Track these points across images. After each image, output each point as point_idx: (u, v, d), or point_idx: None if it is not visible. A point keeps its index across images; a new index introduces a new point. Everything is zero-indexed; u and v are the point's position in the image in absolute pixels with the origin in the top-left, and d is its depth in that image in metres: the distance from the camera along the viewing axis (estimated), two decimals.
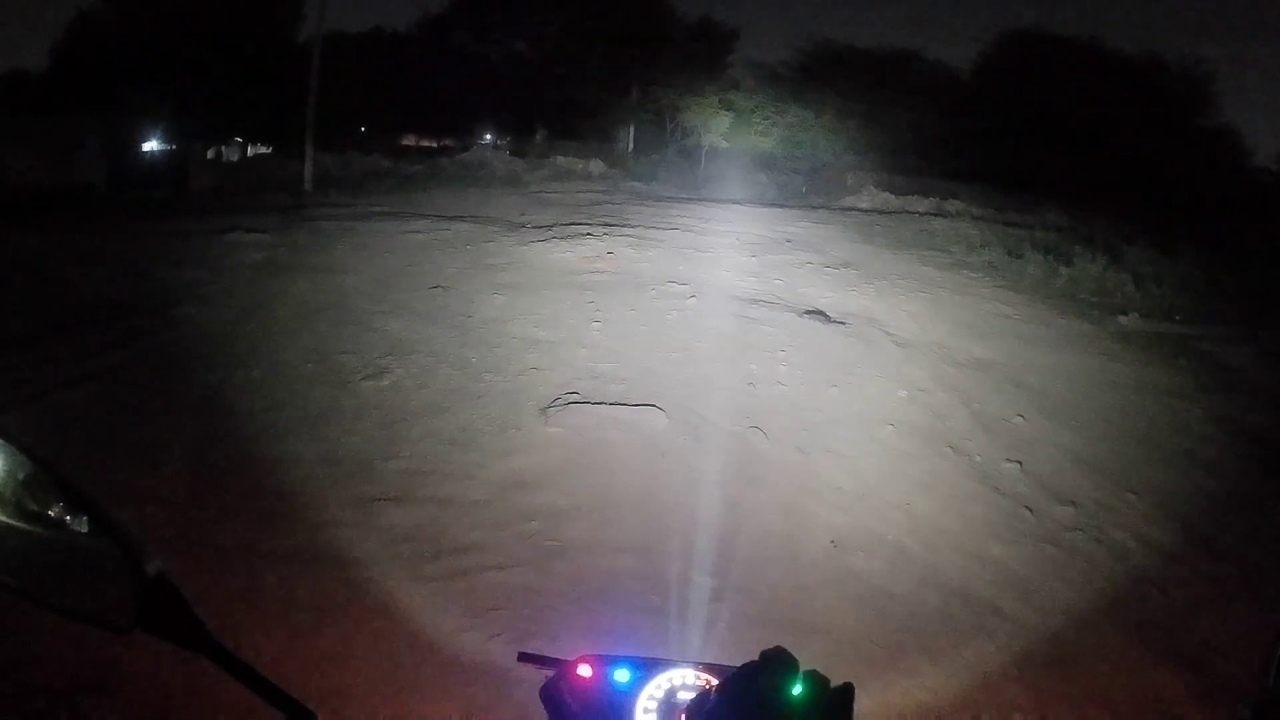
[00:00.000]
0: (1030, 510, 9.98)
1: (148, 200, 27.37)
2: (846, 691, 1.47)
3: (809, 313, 16.04)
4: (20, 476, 1.54)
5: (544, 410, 10.90)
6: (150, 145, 42.04)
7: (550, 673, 2.02)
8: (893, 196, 39.89)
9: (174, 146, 41.47)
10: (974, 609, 7.88)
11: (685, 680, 1.94)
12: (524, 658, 2.11)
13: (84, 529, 1.52)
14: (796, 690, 1.42)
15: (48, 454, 1.51)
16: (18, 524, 1.54)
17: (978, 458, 11.23)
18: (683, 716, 1.64)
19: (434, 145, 43.26)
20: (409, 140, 53.63)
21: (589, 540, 8.13)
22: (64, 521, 1.54)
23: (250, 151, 49.87)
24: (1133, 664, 7.32)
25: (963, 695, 6.52)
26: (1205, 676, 7.23)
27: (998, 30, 57.21)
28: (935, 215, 35.14)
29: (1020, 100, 49.24)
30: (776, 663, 1.45)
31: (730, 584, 7.51)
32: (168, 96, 39.69)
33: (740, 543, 8.32)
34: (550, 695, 1.94)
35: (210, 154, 44.52)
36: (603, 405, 11.15)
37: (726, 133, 49.75)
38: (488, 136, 55.95)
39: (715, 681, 1.81)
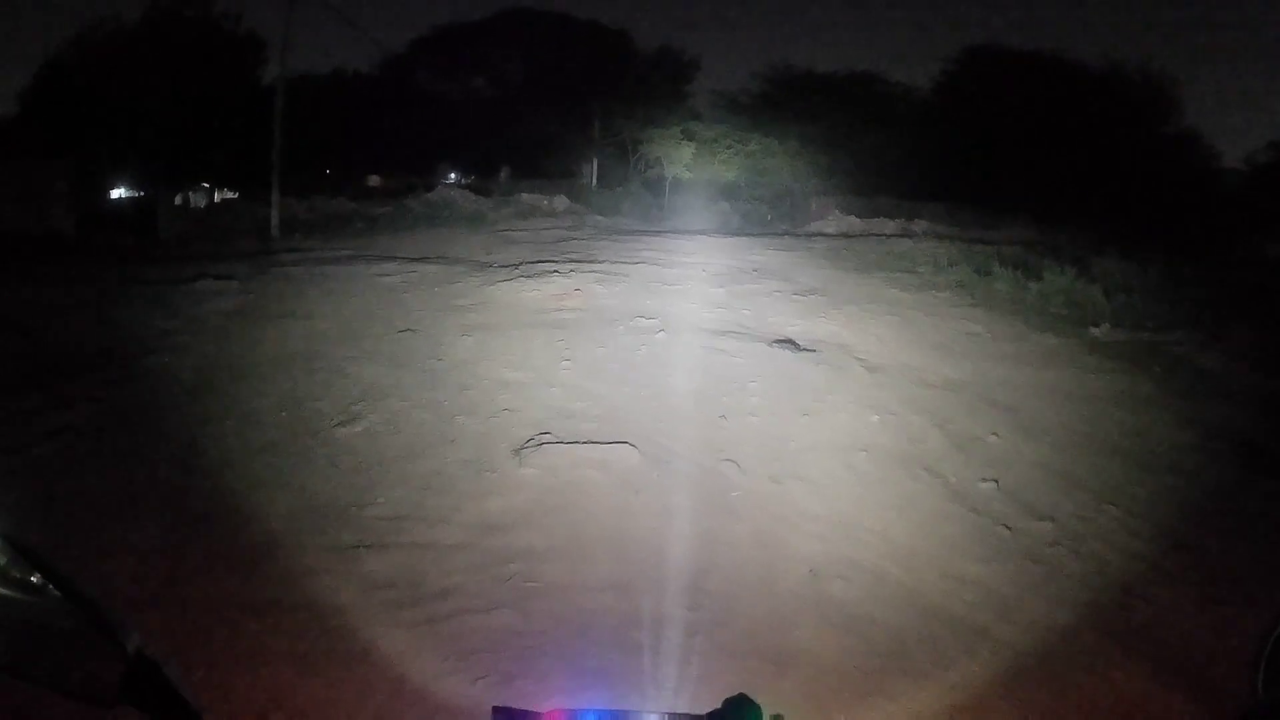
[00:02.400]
0: (1008, 528, 10.00)
1: (117, 247, 27.31)
2: None
3: (778, 342, 16.09)
4: None
5: (517, 451, 10.90)
6: (119, 192, 41.98)
7: None
8: (858, 220, 40.18)
9: (142, 193, 41.43)
10: (956, 630, 7.89)
11: None
12: (498, 712, 2.12)
13: (61, 602, 1.51)
14: None
15: (15, 525, 1.51)
16: None
17: (953, 478, 11.25)
18: None
19: (398, 186, 43.17)
20: (374, 181, 53.67)
21: (567, 580, 8.13)
22: (42, 593, 1.52)
23: (217, 197, 49.80)
24: (1121, 675, 7.34)
25: (949, 717, 6.53)
26: (1195, 682, 7.25)
27: (958, 47, 57.56)
28: (902, 236, 35.42)
29: (983, 116, 49.57)
30: (740, 709, 1.48)
31: (710, 617, 7.52)
32: (135, 143, 39.71)
33: (718, 575, 8.34)
34: None
35: (178, 200, 44.44)
36: (576, 444, 11.14)
37: (689, 163, 49.89)
38: (452, 176, 56.05)
39: None
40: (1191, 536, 10.23)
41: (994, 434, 12.73)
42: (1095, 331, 20.34)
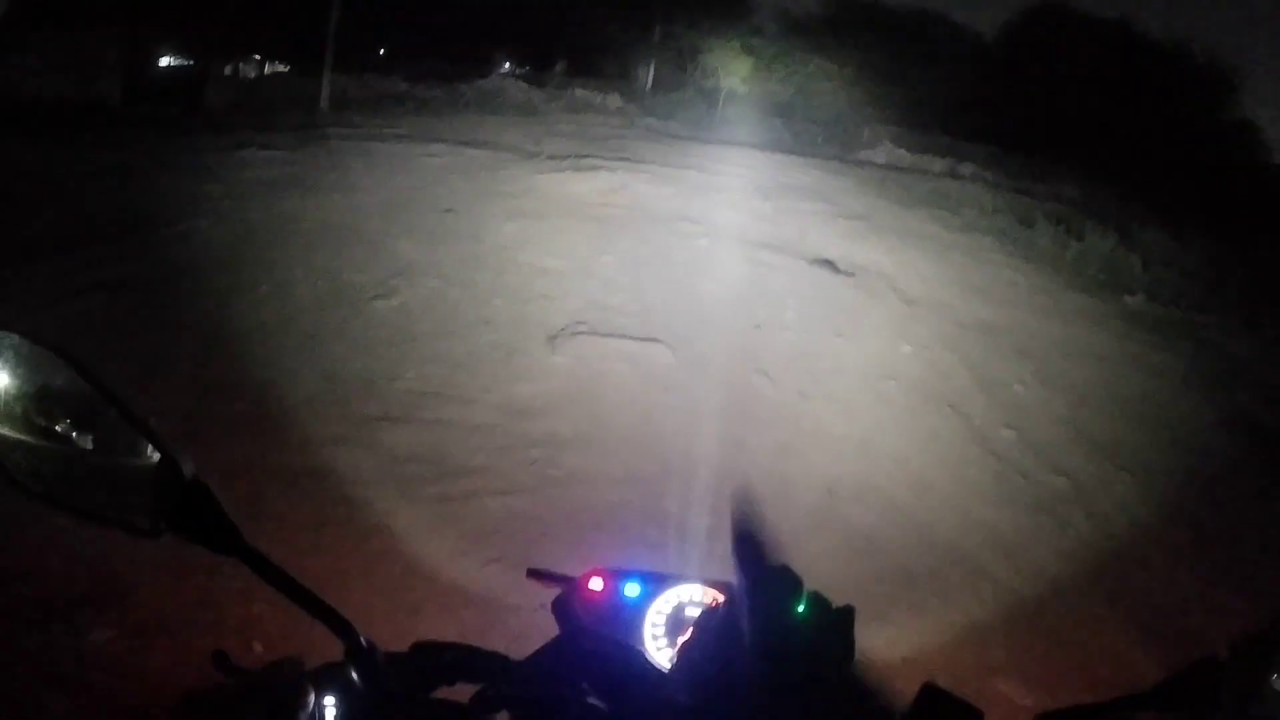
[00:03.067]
0: (1024, 478, 10.04)
1: (163, 115, 27.19)
2: (847, 613, 1.53)
3: (818, 262, 16.03)
4: (50, 380, 1.55)
5: (551, 339, 10.97)
6: (167, 60, 41.70)
7: (558, 588, 2.11)
8: (908, 154, 39.64)
9: (191, 62, 41.14)
10: (964, 569, 7.96)
11: (693, 596, 2.07)
12: (532, 574, 2.17)
13: (115, 426, 1.52)
14: (800, 608, 1.52)
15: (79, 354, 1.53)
16: (40, 422, 1.55)
17: (977, 420, 11.27)
18: (691, 629, 1.68)
19: (454, 70, 42.80)
20: (424, 63, 53.39)
21: (589, 470, 8.22)
22: (93, 418, 1.55)
23: (267, 69, 49.43)
24: (1112, 636, 7.40)
25: (947, 652, 6.60)
26: (1179, 653, 7.30)
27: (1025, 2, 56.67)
28: (949, 176, 34.90)
29: (1043, 71, 48.93)
30: (782, 579, 1.51)
31: (725, 522, 7.63)
32: (186, 10, 39.38)
33: (737, 483, 8.43)
34: (563, 608, 2.03)
35: (227, 70, 44.11)
36: (610, 338, 11.22)
37: (746, 77, 49.36)
38: (506, 65, 55.59)
39: (722, 598, 1.88)
40: (1198, 514, 10.24)
41: (1020, 383, 12.71)
42: (1129, 300, 20.18)
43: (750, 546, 7.24)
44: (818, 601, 1.53)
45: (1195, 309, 20.81)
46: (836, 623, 1.51)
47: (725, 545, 7.22)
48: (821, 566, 7.35)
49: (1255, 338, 19.05)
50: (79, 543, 5.33)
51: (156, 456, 1.50)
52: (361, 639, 1.55)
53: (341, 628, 1.57)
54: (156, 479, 1.50)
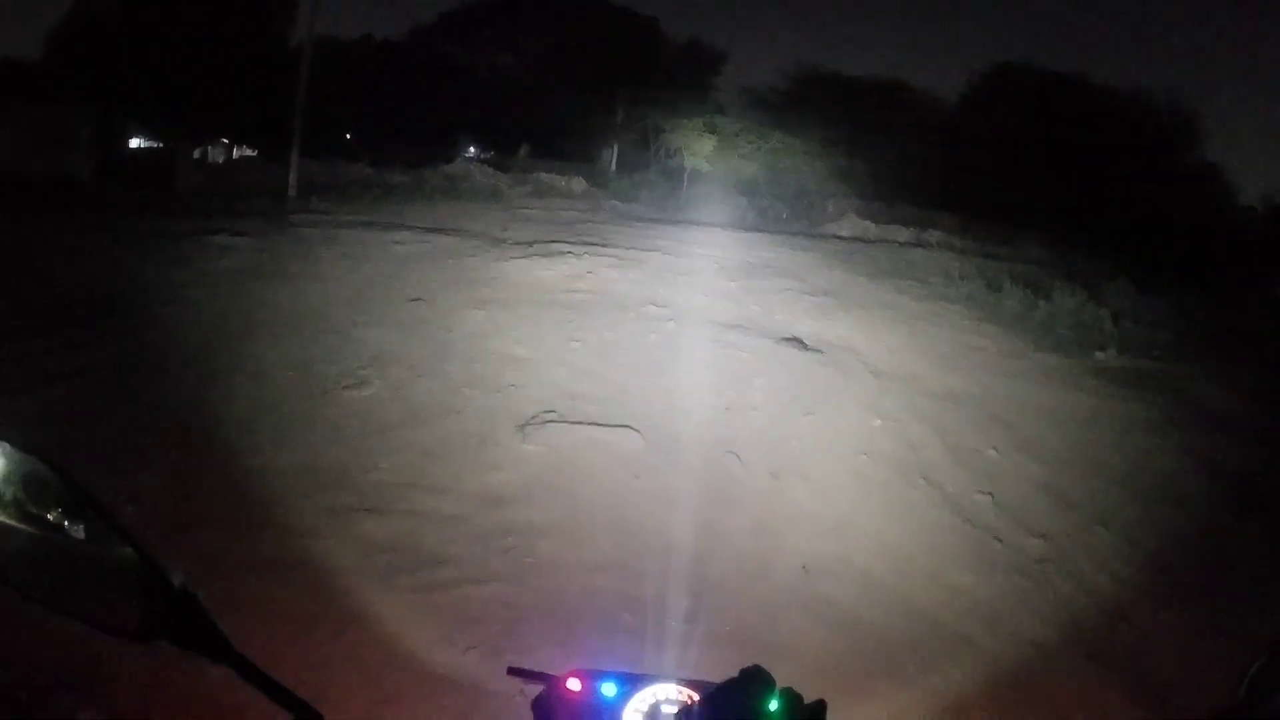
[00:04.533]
0: (1000, 541, 10.08)
1: (133, 197, 27.27)
2: (819, 708, 1.57)
3: (786, 340, 16.07)
4: (40, 485, 1.58)
5: (521, 427, 10.96)
6: (138, 142, 41.92)
7: (537, 686, 2.11)
8: (873, 225, 39.93)
9: (162, 145, 41.37)
10: (942, 637, 7.99)
11: (669, 695, 2.06)
12: (513, 671, 2.20)
13: (105, 538, 1.56)
14: (773, 706, 1.55)
15: (60, 460, 1.56)
16: (27, 528, 1.59)
17: (950, 488, 11.31)
18: None
19: (418, 156, 42.98)
20: (392, 150, 53.57)
21: (564, 558, 8.22)
22: (83, 529, 1.58)
23: (236, 153, 49.71)
24: (1096, 695, 7.42)
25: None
26: (1167, 709, 7.32)
27: (986, 62, 57.22)
28: (915, 245, 35.16)
29: (1006, 133, 49.29)
30: (754, 679, 1.57)
31: (702, 605, 7.59)
32: (158, 93, 39.61)
33: (713, 565, 8.42)
34: (542, 708, 2.04)
35: (196, 154, 44.38)
36: (580, 425, 11.21)
37: (710, 155, 49.72)
38: (471, 150, 55.90)
39: (697, 697, 1.90)
40: (1178, 565, 10.29)
41: (993, 448, 12.77)
42: (1100, 356, 20.29)
43: (726, 632, 7.23)
44: (790, 698, 1.56)
45: (1167, 359, 20.94)
46: (809, 717, 1.54)
47: (701, 629, 7.19)
48: (798, 644, 7.41)
49: (1228, 384, 19.15)
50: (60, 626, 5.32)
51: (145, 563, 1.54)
52: None
53: None
54: (145, 587, 1.55)
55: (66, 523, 1.59)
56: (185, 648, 1.58)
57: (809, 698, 1.61)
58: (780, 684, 1.60)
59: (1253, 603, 9.71)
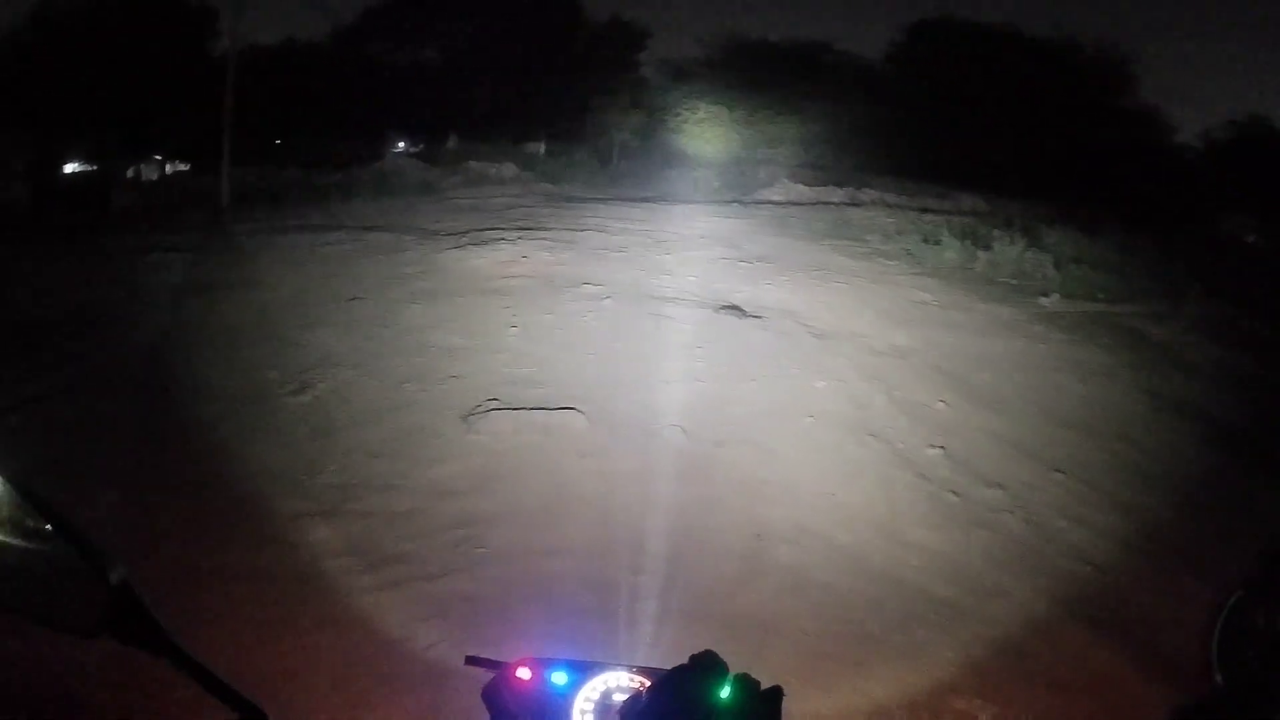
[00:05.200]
0: (956, 494, 10.13)
1: (73, 220, 27.15)
2: (775, 694, 1.56)
3: (724, 308, 16.16)
4: None
5: (465, 418, 10.98)
6: (73, 165, 41.78)
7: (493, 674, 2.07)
8: (807, 189, 39.87)
9: (95, 167, 41.23)
10: (905, 595, 8.01)
11: (620, 682, 2.02)
12: (470, 661, 2.18)
13: (48, 537, 1.62)
14: (725, 692, 1.52)
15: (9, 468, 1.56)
16: None
17: (900, 445, 11.37)
18: (617, 718, 1.68)
19: (348, 155, 42.76)
20: (322, 151, 53.37)
21: (517, 545, 8.24)
22: (28, 529, 1.63)
23: (169, 169, 49.41)
24: (1075, 643, 7.46)
25: (896, 678, 6.61)
26: (1149, 651, 7.37)
27: (911, 19, 57.26)
28: (850, 205, 35.13)
29: (935, 88, 49.36)
30: (705, 666, 1.54)
31: (657, 581, 7.64)
32: (89, 116, 39.48)
33: (665, 539, 8.40)
34: (491, 697, 2.02)
35: (130, 173, 44.18)
36: (522, 410, 11.22)
37: (638, 131, 49.80)
38: (401, 144, 55.76)
39: (648, 683, 1.86)
40: (1140, 504, 10.39)
41: (942, 401, 12.83)
42: (1045, 302, 20.41)
43: (684, 607, 7.20)
44: (744, 684, 1.54)
45: (1113, 300, 21.15)
46: (763, 705, 1.50)
47: (659, 606, 7.23)
48: (758, 612, 7.47)
49: (1176, 321, 19.31)
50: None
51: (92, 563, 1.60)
52: None
53: None
54: (89, 584, 1.59)
55: (11, 523, 1.64)
56: (126, 643, 1.60)
57: (773, 666, 1.58)
58: (742, 654, 1.57)
59: (1219, 537, 9.80)
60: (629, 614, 7.16)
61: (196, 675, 1.61)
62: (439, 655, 6.31)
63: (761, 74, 49.95)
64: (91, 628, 1.59)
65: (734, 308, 16.23)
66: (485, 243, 20.27)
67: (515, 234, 21.25)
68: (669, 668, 1.62)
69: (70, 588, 1.60)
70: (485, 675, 2.09)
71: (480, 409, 11.18)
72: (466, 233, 21.47)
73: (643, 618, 7.09)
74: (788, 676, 1.61)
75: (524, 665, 2.04)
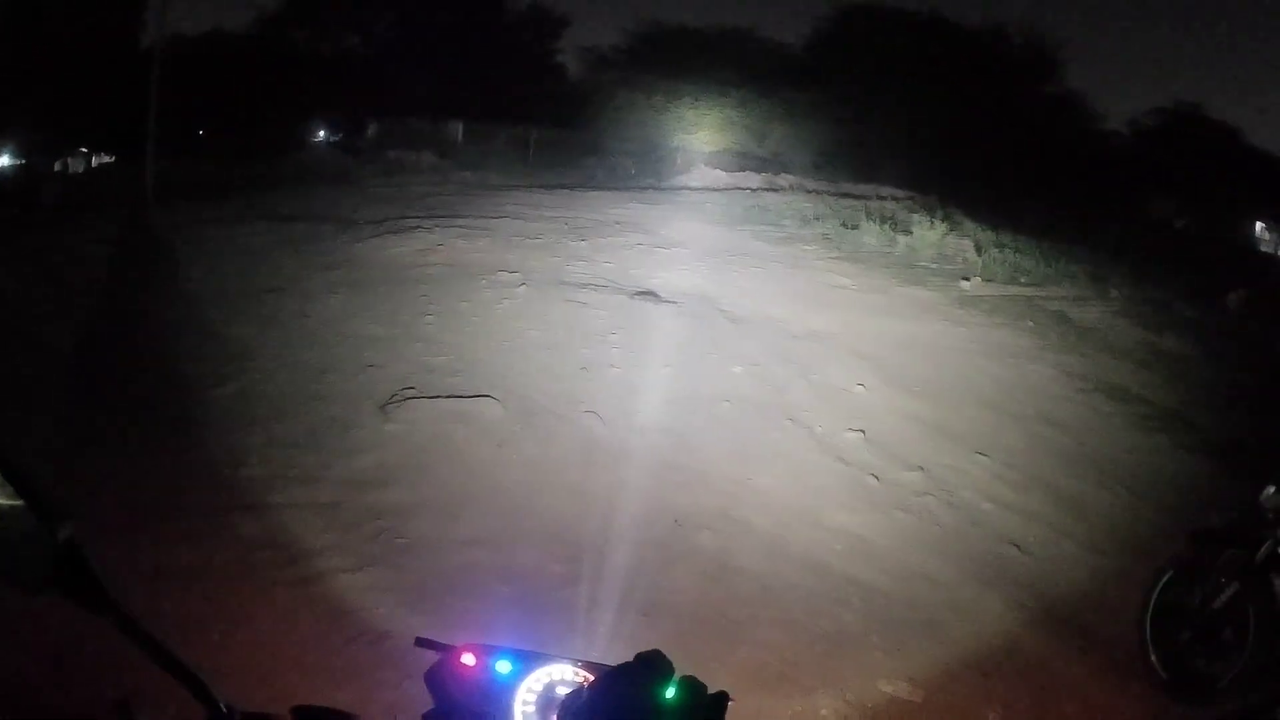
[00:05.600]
0: (876, 478, 10.24)
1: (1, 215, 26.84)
2: (720, 699, 1.56)
3: (640, 294, 16.22)
4: None
5: (383, 407, 11.01)
6: (4, 160, 41.33)
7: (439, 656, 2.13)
8: (724, 174, 39.90)
9: (21, 162, 40.77)
10: (827, 579, 8.09)
11: (564, 676, 2.09)
12: (420, 642, 2.23)
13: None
14: (670, 693, 1.50)
15: None
16: None
17: (819, 429, 11.47)
18: (557, 712, 1.71)
19: (270, 145, 42.43)
20: (246, 141, 52.94)
21: (435, 535, 8.29)
22: None
23: (95, 162, 48.88)
24: (999, 623, 7.55)
25: (820, 663, 6.66)
26: (1078, 632, 7.50)
27: (836, 7, 57.19)
28: (768, 190, 35.12)
29: (858, 76, 49.44)
30: (651, 665, 1.52)
31: (575, 569, 7.71)
32: (16, 108, 39.04)
33: (583, 528, 8.52)
34: (434, 681, 2.09)
35: (57, 166, 43.77)
36: (439, 399, 11.26)
37: (556, 119, 49.75)
38: (321, 134, 55.43)
39: (592, 679, 1.88)
40: (1065, 486, 10.55)
41: (860, 385, 12.95)
42: (966, 285, 20.56)
43: (604, 596, 7.23)
44: (689, 686, 1.53)
45: (1035, 284, 21.34)
46: (708, 710, 1.52)
47: (578, 594, 7.30)
48: (678, 599, 7.56)
49: (1100, 304, 19.51)
50: None
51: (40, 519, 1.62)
52: (221, 705, 1.73)
53: (200, 692, 1.73)
54: (37, 540, 1.62)
55: None
56: (70, 600, 1.63)
57: (695, 655, 1.61)
58: (662, 643, 1.59)
59: (1147, 517, 9.94)
60: (546, 602, 7.26)
61: (134, 635, 1.66)
62: (360, 649, 6.37)
63: (681, 61, 49.94)
64: (38, 584, 1.62)
65: (649, 293, 16.30)
66: (403, 231, 20.23)
67: (432, 222, 21.18)
68: (614, 664, 1.60)
69: (18, 541, 1.61)
70: (433, 657, 2.13)
71: (397, 398, 11.20)
72: (384, 221, 21.38)
73: (562, 607, 7.16)
74: (712, 663, 1.62)
75: (469, 651, 2.10)
